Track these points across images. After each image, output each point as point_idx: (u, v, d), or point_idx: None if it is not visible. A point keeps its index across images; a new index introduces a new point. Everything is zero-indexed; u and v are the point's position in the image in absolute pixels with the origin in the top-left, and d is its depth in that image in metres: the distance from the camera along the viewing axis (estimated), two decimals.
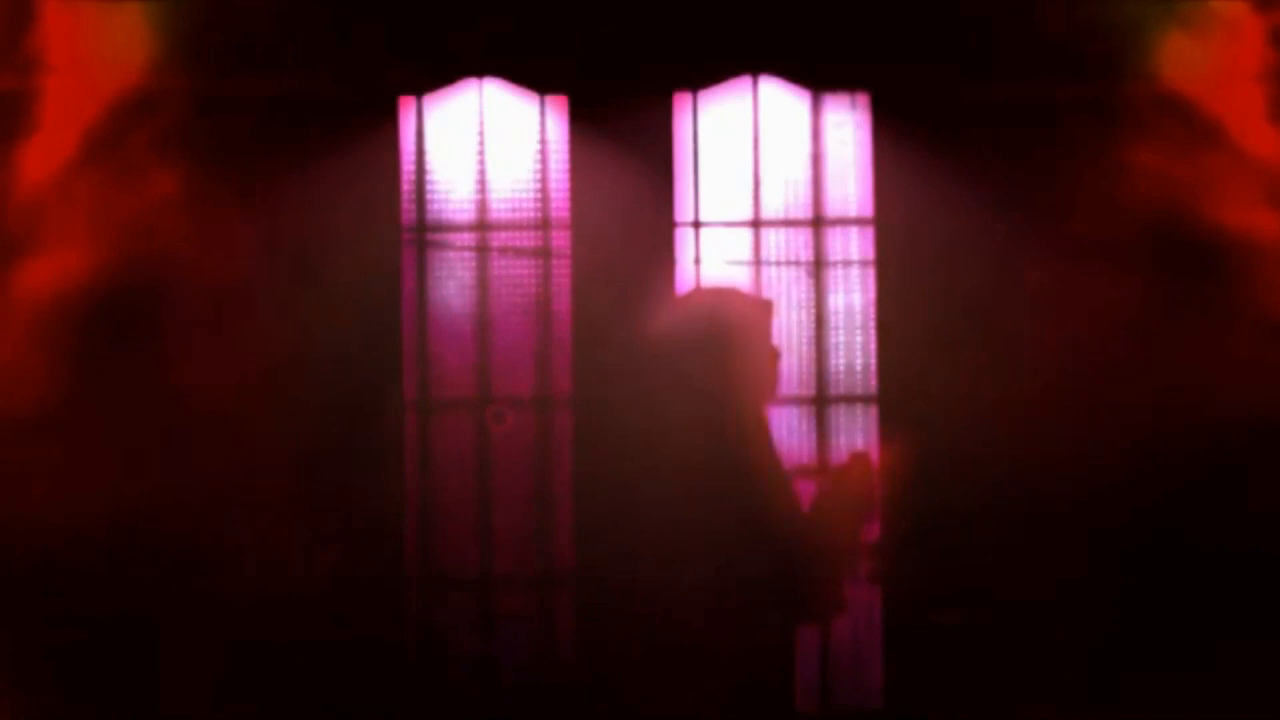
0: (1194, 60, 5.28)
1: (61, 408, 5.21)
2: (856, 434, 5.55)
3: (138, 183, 5.26)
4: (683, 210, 5.56)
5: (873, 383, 5.54)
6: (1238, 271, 5.28)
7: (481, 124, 5.58)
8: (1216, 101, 5.28)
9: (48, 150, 5.20)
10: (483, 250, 5.58)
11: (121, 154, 5.25)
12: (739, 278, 5.51)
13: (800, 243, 5.60)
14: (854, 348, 5.56)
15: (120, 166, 5.25)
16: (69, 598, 5.22)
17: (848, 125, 5.59)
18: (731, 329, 4.14)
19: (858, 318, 5.57)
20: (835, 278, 5.58)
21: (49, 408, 5.17)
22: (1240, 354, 5.25)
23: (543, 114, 5.58)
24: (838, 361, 5.57)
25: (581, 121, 5.53)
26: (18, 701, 5.10)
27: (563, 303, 5.56)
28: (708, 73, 5.53)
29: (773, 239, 5.59)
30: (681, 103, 5.56)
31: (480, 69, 5.53)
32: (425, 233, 5.57)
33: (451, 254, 5.58)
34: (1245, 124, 5.26)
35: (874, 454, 4.96)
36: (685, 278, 5.52)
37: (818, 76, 5.54)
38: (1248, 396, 5.23)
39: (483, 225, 5.59)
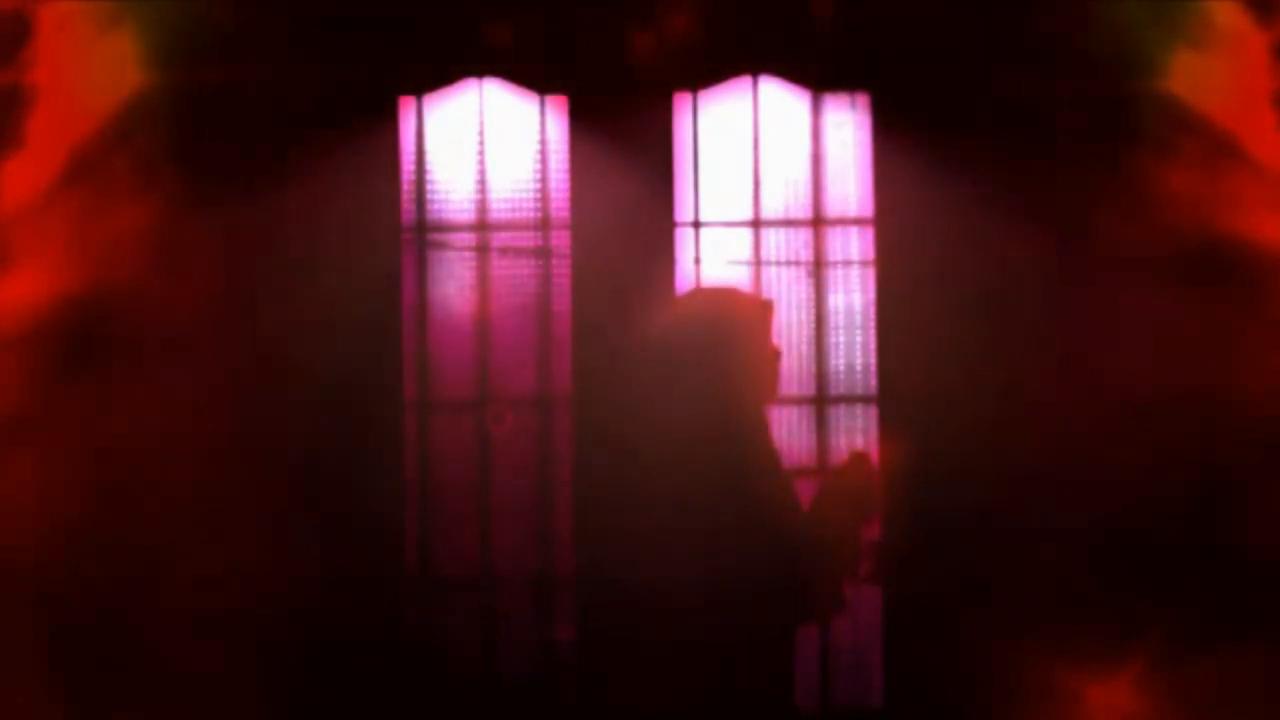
0: (1196, 68, 5.28)
1: (59, 410, 5.21)
2: (856, 434, 5.54)
3: (137, 183, 5.26)
4: (683, 210, 5.56)
5: (873, 383, 5.54)
6: (1243, 275, 5.28)
7: (481, 124, 5.58)
8: (1216, 105, 5.28)
9: (33, 167, 5.19)
10: (483, 250, 5.58)
11: (121, 159, 5.25)
12: (739, 278, 5.51)
13: (800, 243, 5.60)
14: (854, 348, 5.56)
15: (119, 170, 5.25)
16: (64, 606, 5.21)
17: (848, 125, 5.59)
18: (732, 329, 4.14)
19: (858, 318, 5.57)
20: (835, 278, 5.58)
21: (33, 411, 5.18)
22: (1243, 356, 5.25)
23: (543, 114, 5.58)
24: (838, 361, 5.57)
25: (581, 121, 5.53)
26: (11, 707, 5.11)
27: (563, 303, 5.56)
28: (708, 73, 5.53)
29: (773, 239, 5.59)
30: (681, 103, 5.56)
31: (480, 69, 5.53)
32: (425, 233, 5.57)
33: (451, 254, 5.58)
34: (1250, 131, 5.26)
35: (874, 454, 4.96)
36: (685, 278, 5.52)
37: (818, 76, 5.54)
38: (1250, 398, 5.23)
39: (483, 225, 5.59)
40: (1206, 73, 5.26)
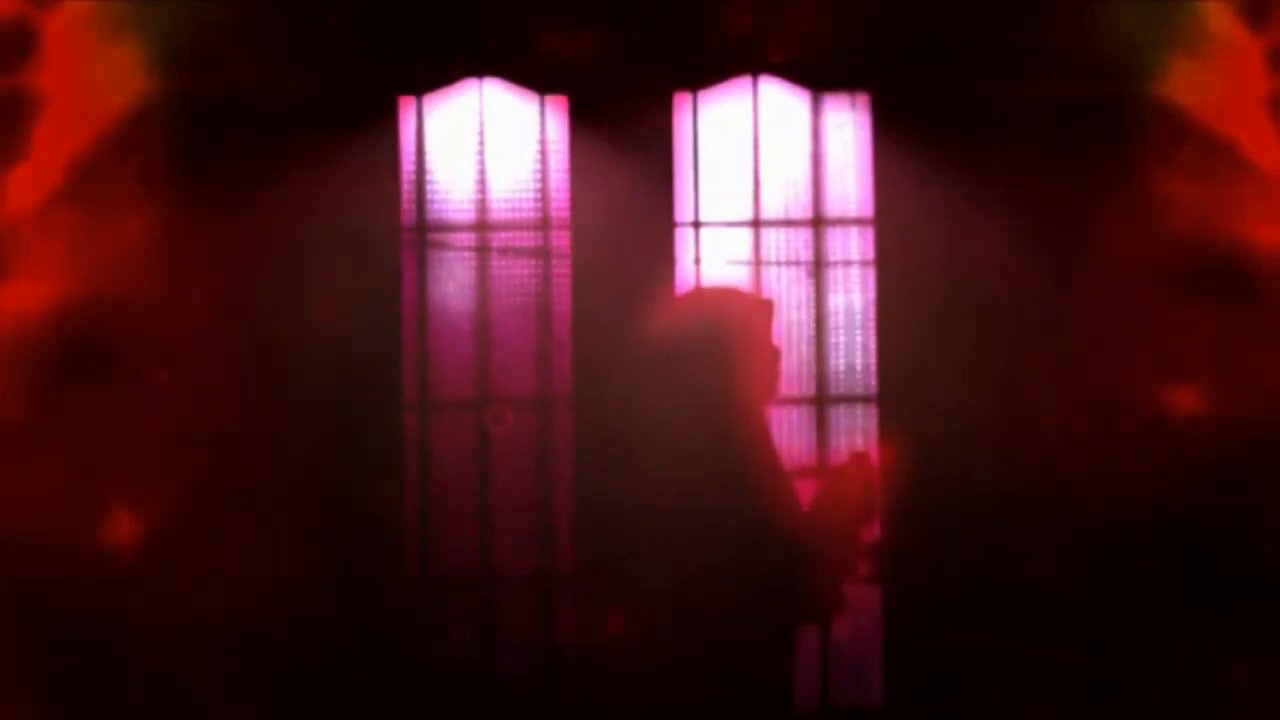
0: (1192, 73, 5.28)
1: (60, 416, 5.22)
2: (856, 434, 5.55)
3: (140, 188, 5.27)
4: (683, 210, 5.56)
5: (873, 383, 5.55)
6: (1240, 276, 5.29)
7: (481, 124, 5.58)
8: (1212, 109, 5.29)
9: (36, 174, 5.19)
10: (483, 250, 5.58)
11: (124, 165, 5.25)
12: (739, 278, 5.51)
13: (800, 243, 5.60)
14: (854, 348, 5.57)
15: (122, 175, 5.26)
16: (65, 610, 5.21)
17: (848, 125, 5.59)
18: (732, 329, 4.14)
19: (858, 318, 5.57)
20: (835, 278, 5.58)
21: (34, 418, 5.18)
22: (1241, 358, 5.26)
23: (543, 114, 5.58)
24: (838, 361, 5.57)
25: (581, 121, 5.53)
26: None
27: (563, 303, 5.56)
28: (708, 73, 5.54)
29: (773, 239, 5.60)
30: (681, 103, 5.56)
31: (480, 69, 5.54)
32: (425, 233, 5.57)
33: (451, 254, 5.58)
34: (1246, 135, 5.26)
35: (874, 454, 4.96)
36: (685, 278, 5.53)
37: (818, 76, 5.55)
38: (1248, 399, 5.24)
39: (483, 225, 5.59)
40: (1202, 77, 5.26)
